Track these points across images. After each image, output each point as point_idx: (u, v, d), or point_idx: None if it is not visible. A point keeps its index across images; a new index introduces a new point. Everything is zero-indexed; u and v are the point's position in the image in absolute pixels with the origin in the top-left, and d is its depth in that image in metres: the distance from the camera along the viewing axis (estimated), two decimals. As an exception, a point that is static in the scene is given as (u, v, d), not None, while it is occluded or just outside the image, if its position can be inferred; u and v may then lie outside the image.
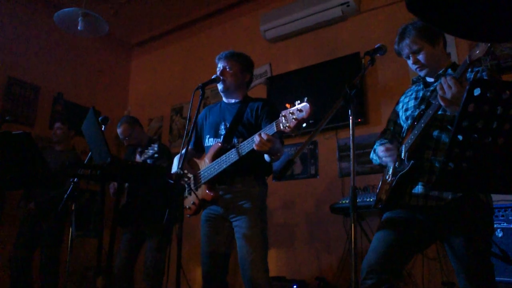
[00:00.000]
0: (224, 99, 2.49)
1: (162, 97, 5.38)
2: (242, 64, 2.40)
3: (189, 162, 2.42)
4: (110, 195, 3.12)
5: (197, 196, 2.30)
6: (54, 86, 4.90)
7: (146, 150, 2.62)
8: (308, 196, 3.84)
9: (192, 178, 2.36)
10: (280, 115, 1.88)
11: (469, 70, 1.74)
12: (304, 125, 1.81)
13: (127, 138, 3.20)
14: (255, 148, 1.98)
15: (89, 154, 2.46)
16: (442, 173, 1.29)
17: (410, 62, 1.92)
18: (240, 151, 2.11)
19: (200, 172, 2.34)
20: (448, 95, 1.53)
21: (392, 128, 2.08)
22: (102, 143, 1.93)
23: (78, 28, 3.30)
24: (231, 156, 2.14)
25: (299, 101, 1.82)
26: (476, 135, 1.23)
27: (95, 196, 4.57)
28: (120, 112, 5.26)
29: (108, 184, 3.12)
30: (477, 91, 1.16)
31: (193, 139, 2.55)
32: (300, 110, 1.80)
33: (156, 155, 2.52)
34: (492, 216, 1.78)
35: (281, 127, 1.87)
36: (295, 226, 3.82)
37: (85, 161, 2.49)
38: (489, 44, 1.48)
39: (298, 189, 3.91)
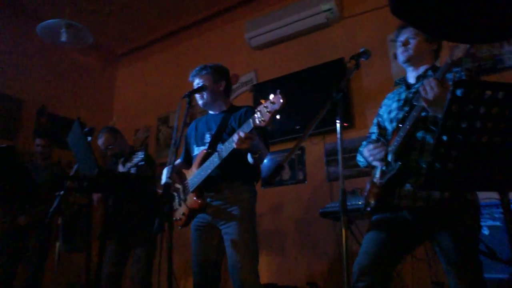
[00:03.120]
0: (210, 111, 2.53)
1: (148, 107, 5.35)
2: (213, 75, 2.43)
3: (178, 175, 2.42)
4: (95, 204, 3.07)
5: (186, 206, 2.29)
6: (37, 98, 4.83)
7: (133, 157, 2.60)
8: (297, 202, 3.84)
9: (181, 189, 2.36)
10: (256, 110, 1.89)
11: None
12: (278, 116, 1.81)
13: (110, 147, 3.18)
14: (235, 146, 1.99)
15: (76, 166, 2.43)
16: (429, 173, 1.30)
17: (399, 44, 1.96)
18: (221, 153, 2.11)
19: (187, 181, 2.33)
20: (430, 96, 1.57)
21: (377, 131, 2.11)
22: (89, 154, 1.91)
23: (62, 39, 3.28)
24: (215, 160, 2.15)
25: (272, 95, 1.83)
26: (460, 135, 1.25)
27: (82, 209, 4.50)
28: (106, 123, 5.19)
29: None
30: (460, 92, 1.19)
31: (183, 153, 2.58)
32: (272, 102, 1.81)
33: (141, 163, 2.50)
34: (478, 214, 1.81)
35: (257, 122, 1.87)
36: (284, 232, 3.81)
37: (72, 173, 2.46)
38: (468, 46, 1.52)
39: (287, 195, 3.91)
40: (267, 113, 1.81)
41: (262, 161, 2.25)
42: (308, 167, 3.91)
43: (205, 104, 2.44)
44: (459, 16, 0.89)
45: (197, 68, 2.47)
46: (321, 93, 3.82)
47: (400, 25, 1.99)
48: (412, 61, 1.93)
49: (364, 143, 2.09)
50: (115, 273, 3.00)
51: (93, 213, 2.50)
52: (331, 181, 3.71)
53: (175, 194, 2.42)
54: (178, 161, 2.59)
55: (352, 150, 3.58)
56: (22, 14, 4.80)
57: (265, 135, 2.30)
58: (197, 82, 2.44)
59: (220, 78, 2.46)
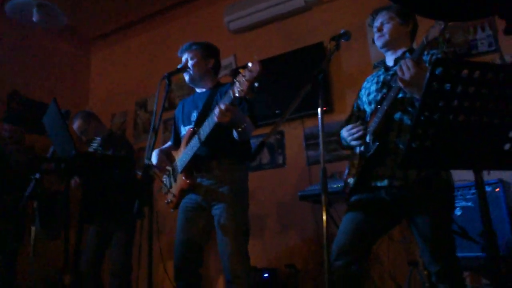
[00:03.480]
0: (197, 90, 2.48)
1: (125, 91, 5.24)
2: (203, 51, 2.40)
3: (167, 157, 2.38)
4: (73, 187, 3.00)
5: (176, 187, 2.27)
6: (8, 82, 4.65)
7: (91, 144, 2.55)
8: (276, 186, 3.87)
9: (171, 171, 2.33)
10: (234, 81, 1.86)
11: (425, 52, 1.82)
12: (257, 84, 1.79)
13: (85, 132, 3.12)
14: (216, 120, 1.95)
15: (51, 148, 2.36)
16: (407, 152, 1.33)
17: (375, 32, 1.98)
18: (204, 129, 2.08)
19: (176, 162, 2.30)
20: (407, 76, 1.59)
21: (356, 113, 2.13)
22: (66, 135, 1.86)
23: (33, 19, 3.15)
24: (200, 137, 2.12)
25: (250, 63, 1.80)
26: (438, 114, 1.28)
27: (58, 195, 4.40)
28: (82, 108, 5.07)
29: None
30: (438, 70, 1.21)
31: (172, 135, 2.55)
32: (250, 70, 1.79)
33: (99, 148, 2.46)
34: (453, 194, 1.87)
35: (236, 93, 1.85)
36: (264, 216, 3.84)
37: (49, 155, 2.39)
38: (443, 25, 1.54)
39: (266, 179, 3.93)
40: (245, 82, 1.79)
41: (247, 135, 2.20)
42: (287, 151, 3.93)
43: (192, 79, 2.39)
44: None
45: (187, 44, 2.44)
46: (301, 77, 3.82)
47: (374, 10, 2.01)
48: (389, 45, 1.95)
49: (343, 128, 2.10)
50: (96, 259, 2.97)
51: (71, 198, 2.44)
52: (310, 165, 3.74)
53: (165, 177, 2.39)
54: (168, 144, 2.56)
55: (331, 135, 3.62)
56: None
57: (251, 109, 2.26)
58: (185, 57, 2.40)
59: (209, 56, 2.43)
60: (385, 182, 1.82)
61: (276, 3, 4.08)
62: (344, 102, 3.71)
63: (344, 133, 1.97)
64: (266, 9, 4.15)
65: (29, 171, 2.68)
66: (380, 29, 1.94)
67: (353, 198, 1.96)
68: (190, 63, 2.36)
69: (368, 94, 2.02)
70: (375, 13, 2.00)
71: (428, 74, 1.19)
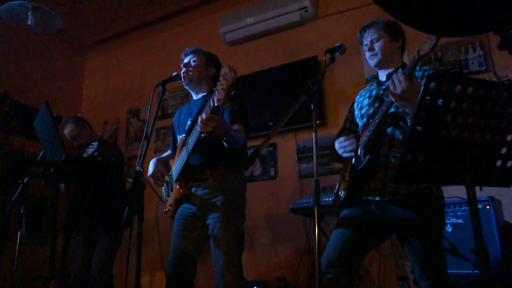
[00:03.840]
0: (193, 96, 2.47)
1: (118, 99, 5.22)
2: (207, 58, 2.42)
3: (166, 166, 2.37)
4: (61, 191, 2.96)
5: (172, 197, 2.25)
6: None
7: (87, 149, 2.52)
8: (268, 198, 3.85)
9: (169, 180, 2.31)
10: (213, 89, 1.86)
11: (418, 68, 1.84)
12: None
13: (75, 137, 3.09)
14: (199, 130, 1.94)
15: (41, 152, 2.33)
16: (400, 165, 1.34)
17: (366, 49, 1.99)
18: (192, 139, 2.07)
19: (172, 171, 2.29)
20: (399, 90, 1.61)
21: (349, 127, 2.14)
22: (57, 139, 1.83)
23: (28, 22, 3.13)
24: (188, 147, 2.11)
25: (224, 71, 1.81)
26: (431, 128, 1.29)
27: (46, 201, 4.33)
28: (74, 113, 5.03)
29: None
30: (432, 85, 1.22)
31: (171, 144, 2.54)
32: (225, 78, 1.79)
33: (95, 153, 2.43)
34: (443, 210, 1.87)
35: (215, 102, 1.84)
36: (254, 228, 3.81)
37: (38, 159, 2.35)
38: (434, 40, 1.57)
39: (258, 190, 3.91)
40: (222, 90, 1.79)
41: (237, 143, 2.14)
42: (279, 164, 3.92)
43: (189, 81, 2.36)
44: (434, 7, 0.91)
45: (193, 47, 2.46)
46: (295, 90, 3.85)
47: (361, 28, 2.03)
48: (382, 64, 1.97)
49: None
50: (85, 267, 2.91)
51: (59, 203, 2.40)
52: (302, 178, 3.74)
53: (164, 186, 2.37)
54: (167, 153, 2.55)
55: (324, 148, 3.63)
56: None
57: (242, 116, 2.22)
58: (188, 58, 2.41)
59: (212, 65, 2.44)
60: (376, 196, 1.82)
61: (271, 16, 4.13)
62: (337, 116, 3.74)
63: (336, 145, 1.98)
64: (261, 22, 4.19)
65: (14, 174, 2.63)
66: (371, 48, 1.96)
67: (344, 212, 1.95)
68: (192, 64, 2.37)
69: (361, 108, 2.04)
70: (363, 30, 2.02)
71: (422, 87, 1.20)
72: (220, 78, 1.82)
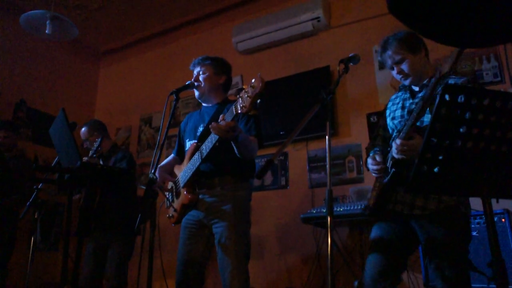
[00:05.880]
0: (204, 104, 2.47)
1: (131, 106, 5.29)
2: (215, 67, 2.40)
3: (170, 173, 2.37)
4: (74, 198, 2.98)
5: (178, 202, 2.24)
6: (16, 91, 4.70)
7: (112, 157, 2.55)
8: (278, 207, 3.84)
9: (173, 186, 2.31)
10: (238, 97, 1.84)
11: (453, 76, 1.84)
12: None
13: (85, 142, 3.13)
14: (214, 133, 1.93)
15: (56, 158, 2.36)
16: (415, 175, 1.33)
17: (394, 72, 1.98)
18: (207, 145, 2.05)
19: (179, 177, 2.29)
20: (397, 156, 1.71)
21: (382, 133, 2.15)
22: (72, 145, 1.86)
23: (46, 31, 3.20)
24: (202, 152, 2.10)
25: (254, 79, 1.78)
26: (447, 139, 1.28)
27: (58, 207, 4.37)
28: (87, 120, 5.09)
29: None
30: (447, 97, 1.21)
31: (176, 147, 2.54)
32: (253, 86, 1.76)
33: (94, 155, 2.44)
34: (469, 226, 1.87)
35: (239, 109, 1.81)
36: (264, 237, 3.80)
37: (53, 165, 2.39)
38: (454, 60, 1.56)
39: (269, 200, 3.91)
40: (248, 98, 1.76)
41: (250, 154, 2.14)
42: (290, 173, 3.92)
43: (201, 94, 2.37)
44: (452, 19, 0.91)
45: (200, 57, 2.43)
46: (306, 100, 3.85)
47: (380, 45, 1.98)
48: (417, 81, 1.96)
49: (371, 152, 2.10)
50: (95, 274, 2.92)
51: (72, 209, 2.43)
52: (313, 188, 3.72)
53: (168, 193, 2.37)
54: (169, 157, 2.55)
55: (335, 158, 3.62)
56: (3, 3, 4.67)
57: (258, 128, 2.22)
58: (197, 70, 2.39)
59: (221, 72, 2.41)
60: (404, 210, 1.84)
61: (284, 26, 4.15)
62: (348, 126, 3.73)
63: (369, 161, 2.00)
64: (274, 32, 4.22)
65: (26, 178, 2.66)
66: (400, 72, 1.94)
67: (375, 231, 1.97)
68: (201, 77, 2.36)
69: (393, 118, 2.03)
70: (383, 49, 1.97)
71: (437, 98, 1.20)
72: (245, 86, 1.81)
